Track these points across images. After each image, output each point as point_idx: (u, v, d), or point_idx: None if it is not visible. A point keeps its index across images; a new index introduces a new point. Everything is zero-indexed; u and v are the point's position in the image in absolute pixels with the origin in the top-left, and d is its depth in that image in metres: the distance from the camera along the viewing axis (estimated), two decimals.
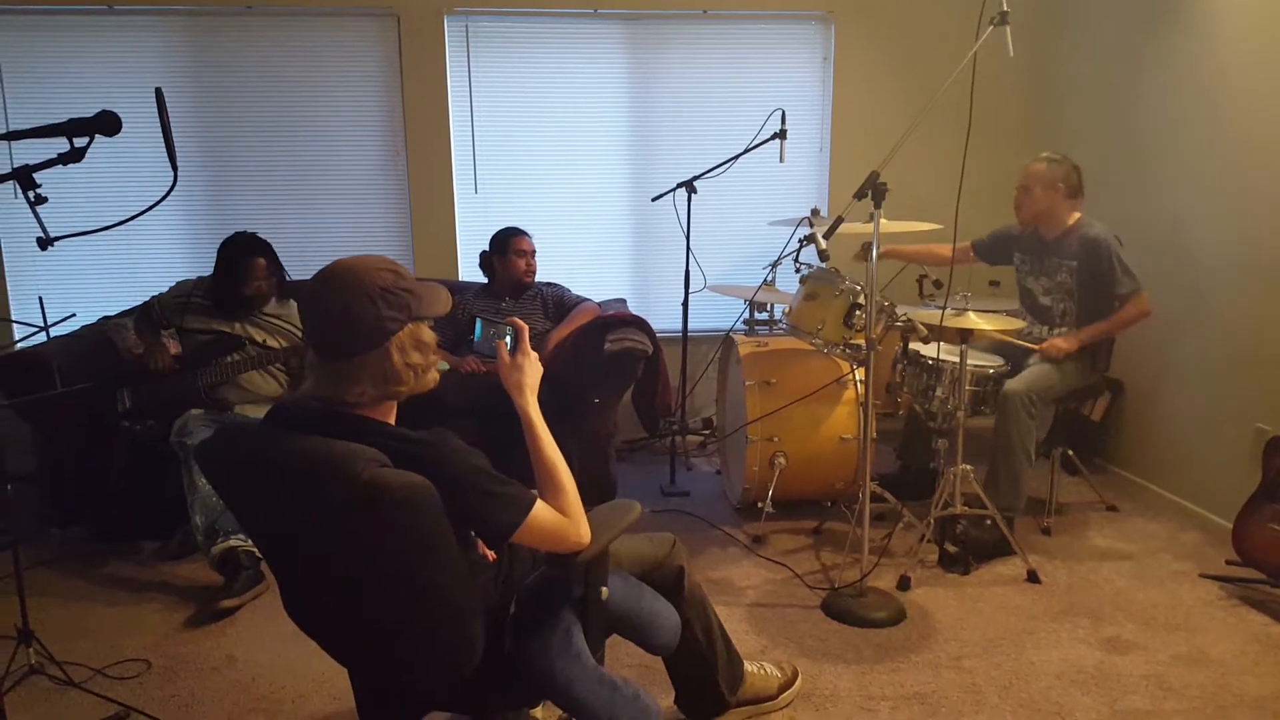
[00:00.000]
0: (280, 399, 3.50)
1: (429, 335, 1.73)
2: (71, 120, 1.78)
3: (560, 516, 1.76)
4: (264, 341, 3.60)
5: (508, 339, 1.95)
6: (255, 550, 3.20)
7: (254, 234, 3.61)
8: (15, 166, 1.80)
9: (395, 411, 1.74)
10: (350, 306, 1.61)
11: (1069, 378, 3.54)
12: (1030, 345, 3.60)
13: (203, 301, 3.60)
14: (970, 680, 2.65)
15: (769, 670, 2.56)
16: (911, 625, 2.97)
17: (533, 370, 1.92)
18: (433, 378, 1.74)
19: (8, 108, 4.34)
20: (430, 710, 1.94)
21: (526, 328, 1.97)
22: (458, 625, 1.68)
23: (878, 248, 2.95)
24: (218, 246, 3.59)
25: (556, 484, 1.81)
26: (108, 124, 1.79)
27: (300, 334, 3.67)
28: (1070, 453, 3.89)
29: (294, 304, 3.73)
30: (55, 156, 1.80)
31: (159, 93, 1.85)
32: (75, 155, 1.79)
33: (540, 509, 1.71)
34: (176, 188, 1.87)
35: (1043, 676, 2.66)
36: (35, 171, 1.82)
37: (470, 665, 1.71)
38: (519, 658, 1.78)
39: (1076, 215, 3.60)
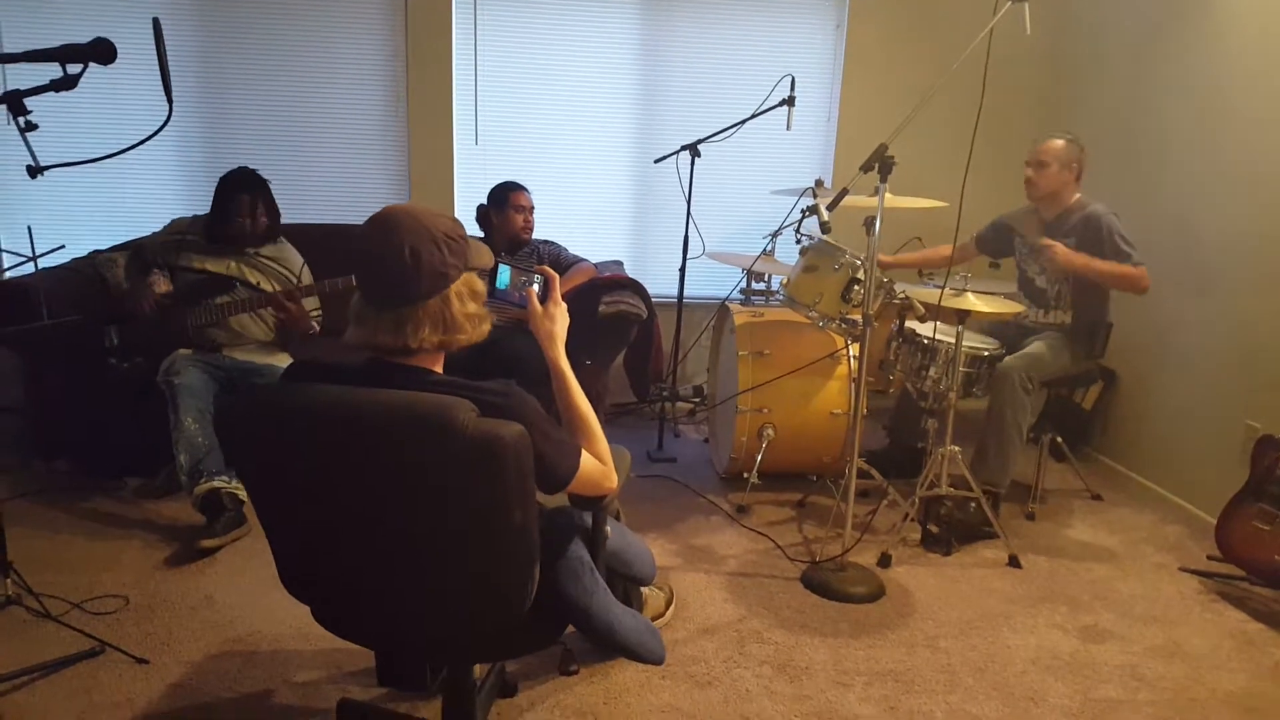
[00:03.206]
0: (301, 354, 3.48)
1: (481, 286, 1.74)
2: (65, 46, 1.74)
3: (599, 463, 1.83)
4: (258, 283, 3.56)
5: (536, 287, 1.92)
6: (238, 492, 3.19)
7: (253, 171, 3.56)
8: (6, 91, 1.76)
9: (443, 361, 1.74)
10: (418, 250, 1.59)
11: (1065, 360, 3.53)
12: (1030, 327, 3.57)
13: (198, 239, 3.56)
14: (945, 660, 2.66)
15: (655, 591, 2.80)
16: (890, 603, 2.98)
17: (562, 320, 1.93)
18: (486, 329, 1.73)
19: (2, 31, 4.25)
20: (460, 663, 1.98)
21: (557, 276, 1.95)
22: (527, 568, 1.70)
23: (881, 223, 2.91)
24: (218, 180, 3.55)
25: (591, 432, 1.87)
26: (102, 52, 1.74)
27: (296, 279, 3.63)
28: (1059, 439, 3.89)
29: (287, 245, 3.69)
30: (48, 83, 1.76)
31: (156, 23, 1.80)
32: (68, 82, 1.75)
33: (586, 456, 1.77)
34: (171, 122, 1.84)
35: (1018, 661, 2.68)
36: (26, 97, 1.78)
37: (524, 608, 1.73)
38: (553, 599, 1.83)
39: (1077, 196, 3.58)
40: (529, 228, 4.00)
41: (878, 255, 2.91)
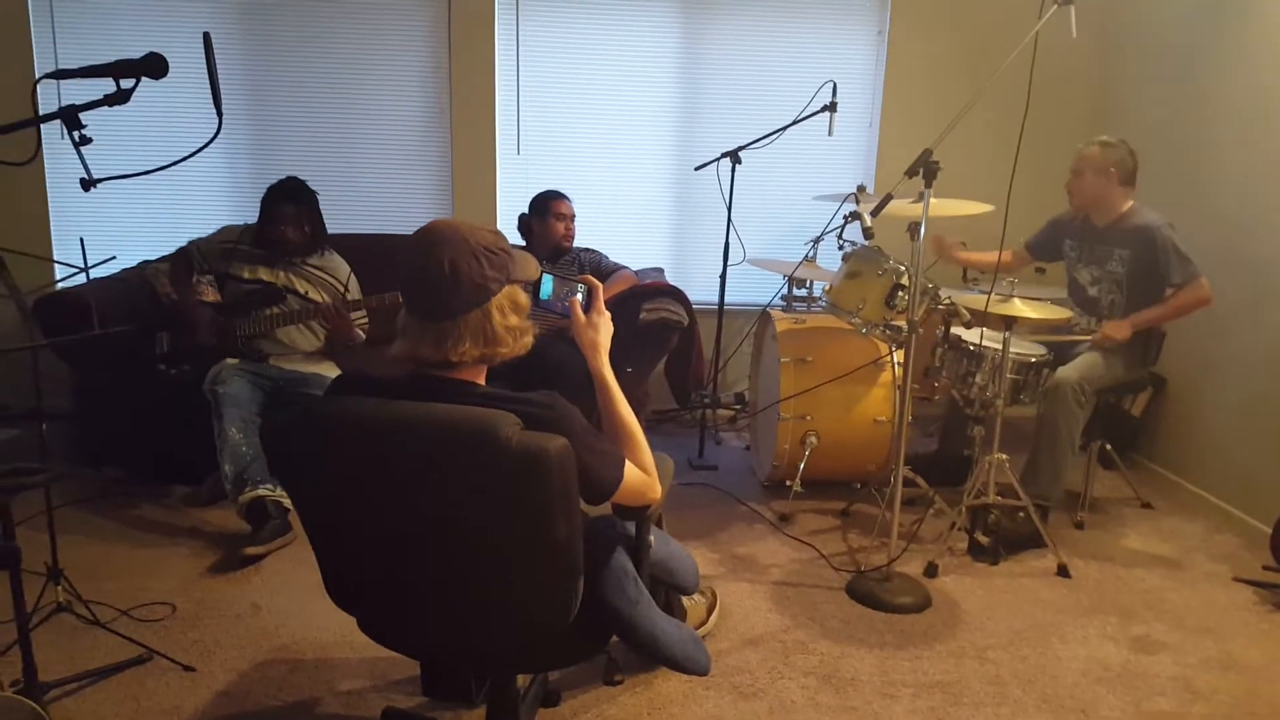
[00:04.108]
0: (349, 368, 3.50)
1: (524, 298, 1.72)
2: (119, 61, 1.77)
3: (642, 473, 1.81)
4: (306, 293, 3.60)
5: (580, 296, 1.91)
6: (283, 500, 3.22)
7: (301, 182, 3.59)
8: (62, 105, 1.79)
9: (485, 374, 1.74)
10: (456, 263, 1.59)
11: (1119, 369, 3.47)
12: (1081, 337, 3.52)
13: (249, 249, 3.60)
14: (994, 672, 2.61)
15: (696, 599, 2.73)
16: (936, 613, 2.93)
17: (606, 329, 1.92)
18: (528, 342, 1.73)
19: (58, 47, 4.35)
20: (504, 673, 1.97)
21: (600, 285, 1.94)
22: (571, 580, 1.69)
23: (925, 228, 2.88)
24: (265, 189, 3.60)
25: (635, 441, 1.86)
26: (154, 66, 1.77)
27: (343, 288, 3.67)
28: (1108, 447, 3.81)
29: (334, 254, 3.73)
30: (101, 97, 1.79)
31: (207, 37, 1.82)
32: (121, 97, 1.78)
33: (629, 466, 1.75)
34: (221, 135, 1.86)
35: (1068, 672, 2.63)
36: (81, 111, 1.80)
37: (568, 619, 1.72)
38: (597, 609, 1.82)
39: (1130, 203, 3.51)
40: (570, 236, 4.01)
41: (947, 238, 2.85)
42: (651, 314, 3.75)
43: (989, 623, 2.89)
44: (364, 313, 3.62)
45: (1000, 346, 3.21)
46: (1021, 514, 3.31)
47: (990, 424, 3.29)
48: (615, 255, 4.16)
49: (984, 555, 3.31)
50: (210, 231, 3.72)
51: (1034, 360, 3.35)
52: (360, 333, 3.59)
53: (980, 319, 3.23)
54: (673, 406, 4.50)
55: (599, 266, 4.05)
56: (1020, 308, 3.11)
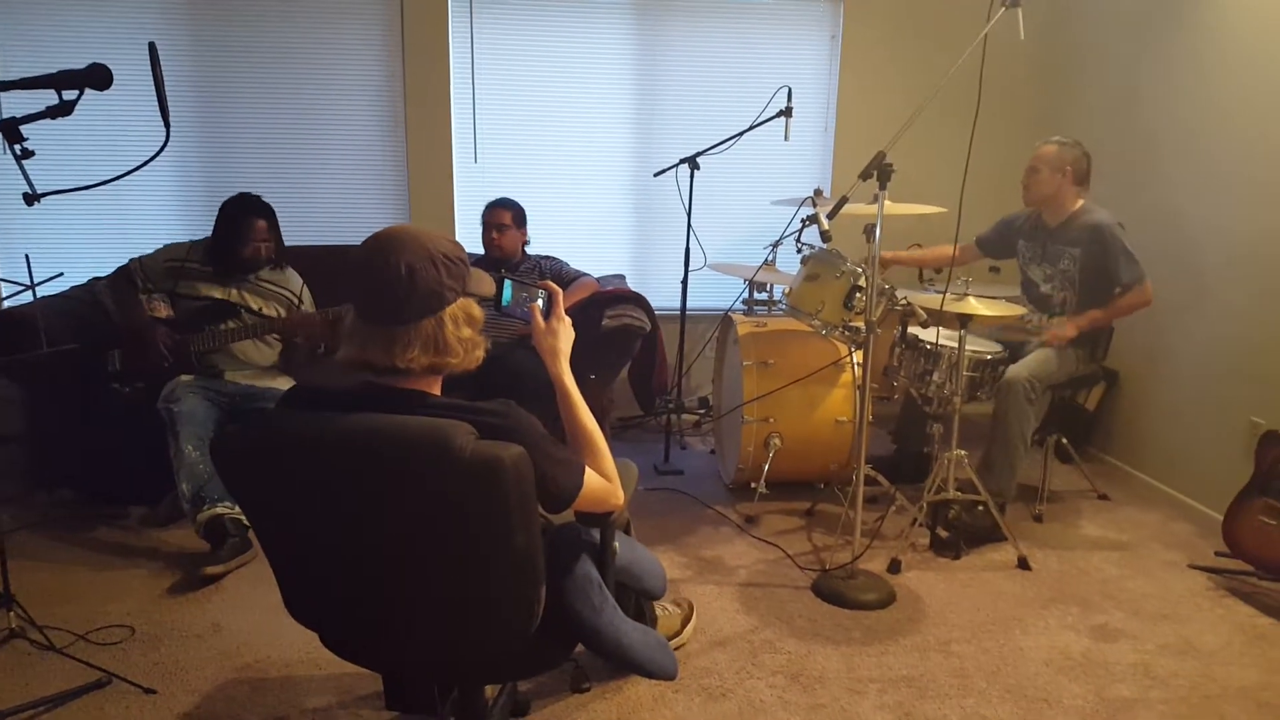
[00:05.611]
0: (302, 381, 3.45)
1: (478, 311, 1.70)
2: (61, 72, 1.74)
3: (604, 480, 1.80)
4: (260, 309, 3.55)
5: (540, 302, 1.90)
6: (242, 518, 3.16)
7: (258, 196, 3.54)
8: (2, 118, 1.75)
9: (440, 384, 1.71)
10: (414, 268, 1.57)
11: (1070, 365, 3.52)
12: (1032, 335, 3.58)
13: (200, 267, 3.54)
14: (958, 665, 2.64)
15: (670, 609, 2.73)
16: (901, 608, 2.96)
17: (566, 335, 1.91)
18: (479, 355, 1.70)
19: None
20: (470, 684, 1.96)
21: (560, 291, 1.93)
22: (532, 590, 1.67)
23: (880, 230, 2.91)
24: (220, 206, 3.52)
25: (596, 449, 1.84)
26: (98, 77, 1.74)
27: (296, 300, 3.63)
28: (1064, 441, 3.88)
29: (290, 270, 3.68)
30: (43, 109, 1.75)
31: (152, 47, 1.80)
32: (64, 109, 1.75)
33: (590, 474, 1.74)
34: (169, 147, 1.83)
35: (1031, 663, 2.66)
36: (22, 124, 1.77)
37: (530, 629, 1.70)
38: (561, 617, 1.81)
39: (1081, 202, 3.57)
40: (496, 245, 3.93)
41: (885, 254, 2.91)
42: (614, 320, 3.75)
43: (952, 616, 2.92)
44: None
45: (956, 345, 3.25)
46: (981, 508, 3.36)
47: (948, 421, 3.33)
48: (576, 262, 4.15)
49: (946, 550, 3.34)
50: (155, 248, 3.63)
51: (990, 358, 3.40)
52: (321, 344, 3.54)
53: (936, 318, 3.27)
54: (637, 413, 4.50)
55: (560, 274, 4.03)
56: (975, 306, 3.16)
